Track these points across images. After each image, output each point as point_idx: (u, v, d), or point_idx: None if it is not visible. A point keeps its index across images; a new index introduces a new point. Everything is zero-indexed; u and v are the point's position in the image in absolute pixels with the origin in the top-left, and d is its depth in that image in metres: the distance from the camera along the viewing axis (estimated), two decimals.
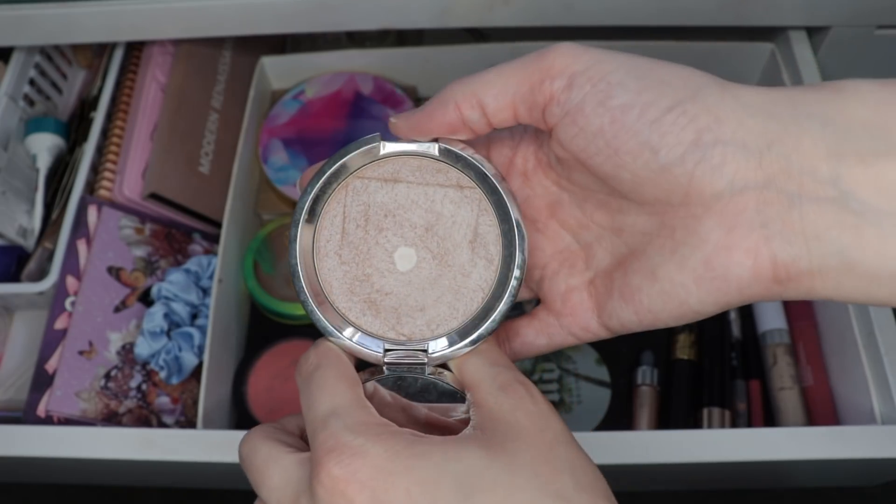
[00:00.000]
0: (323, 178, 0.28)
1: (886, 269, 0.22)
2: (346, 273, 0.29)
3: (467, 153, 0.29)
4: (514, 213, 0.28)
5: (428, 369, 0.28)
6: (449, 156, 0.29)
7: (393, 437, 0.24)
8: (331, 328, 0.28)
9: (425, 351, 0.28)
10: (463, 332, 0.28)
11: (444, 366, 0.28)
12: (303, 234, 0.28)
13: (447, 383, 0.28)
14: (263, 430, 0.27)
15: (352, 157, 0.28)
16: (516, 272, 0.28)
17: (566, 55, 0.25)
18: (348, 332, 0.28)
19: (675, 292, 0.25)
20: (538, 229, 0.31)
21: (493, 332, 0.28)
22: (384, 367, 0.28)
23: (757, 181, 0.23)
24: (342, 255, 0.29)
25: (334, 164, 0.28)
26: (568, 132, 0.26)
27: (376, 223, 0.29)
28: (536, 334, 0.30)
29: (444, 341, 0.28)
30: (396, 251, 0.29)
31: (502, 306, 0.28)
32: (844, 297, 0.24)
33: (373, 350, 0.28)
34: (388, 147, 0.28)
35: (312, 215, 0.28)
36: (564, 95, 0.25)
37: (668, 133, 0.24)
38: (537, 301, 0.31)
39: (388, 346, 0.28)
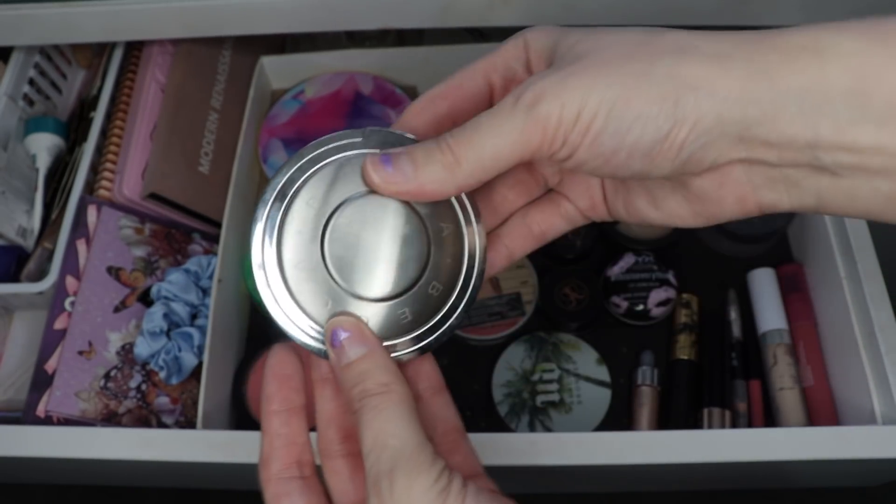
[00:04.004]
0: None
1: (857, 209, 0.26)
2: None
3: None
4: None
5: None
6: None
7: None
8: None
9: None
10: None
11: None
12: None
13: None
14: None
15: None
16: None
17: (554, 111, 0.26)
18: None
19: (673, 220, 0.30)
20: None
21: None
22: None
23: (740, 154, 0.26)
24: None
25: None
26: (567, 166, 0.28)
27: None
28: (561, 220, 0.33)
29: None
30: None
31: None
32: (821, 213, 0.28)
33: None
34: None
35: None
36: (563, 152, 0.27)
37: (656, 160, 0.26)
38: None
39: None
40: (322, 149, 0.29)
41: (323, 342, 0.29)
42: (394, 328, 0.29)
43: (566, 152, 0.27)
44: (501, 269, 0.33)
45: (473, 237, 0.30)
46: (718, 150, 0.26)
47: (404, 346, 0.29)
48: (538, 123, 0.26)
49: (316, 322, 0.29)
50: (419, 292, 0.29)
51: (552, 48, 0.29)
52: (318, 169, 0.29)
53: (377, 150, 0.28)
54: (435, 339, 0.29)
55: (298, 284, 0.28)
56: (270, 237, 0.28)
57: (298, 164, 0.28)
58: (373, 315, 0.29)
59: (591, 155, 0.26)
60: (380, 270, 0.29)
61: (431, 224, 0.29)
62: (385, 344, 0.29)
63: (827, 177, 0.25)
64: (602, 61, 0.26)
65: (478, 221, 0.30)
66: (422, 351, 0.29)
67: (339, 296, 0.29)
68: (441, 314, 0.29)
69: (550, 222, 0.33)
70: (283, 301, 0.29)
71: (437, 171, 0.27)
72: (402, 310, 0.29)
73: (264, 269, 0.28)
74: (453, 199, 0.29)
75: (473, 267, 0.29)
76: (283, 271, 0.28)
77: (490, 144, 0.26)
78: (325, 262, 0.29)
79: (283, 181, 0.28)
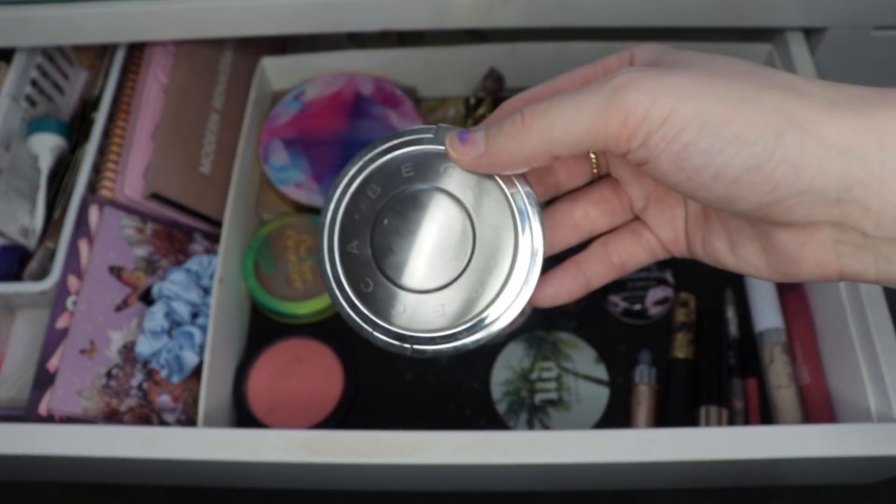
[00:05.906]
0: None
1: None
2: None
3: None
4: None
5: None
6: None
7: None
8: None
9: None
10: None
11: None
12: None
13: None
14: None
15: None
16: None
17: (643, 102, 0.24)
18: None
19: (748, 269, 0.28)
20: (632, 174, 0.32)
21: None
22: None
23: (833, 217, 0.24)
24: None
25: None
26: (648, 173, 0.26)
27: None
28: (642, 251, 0.32)
29: None
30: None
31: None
32: None
33: None
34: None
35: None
36: (641, 152, 0.25)
37: (743, 190, 0.24)
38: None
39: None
40: (394, 141, 0.30)
41: (364, 322, 0.30)
42: (430, 320, 0.30)
43: (644, 155, 0.25)
44: (577, 297, 0.32)
45: (527, 252, 0.29)
46: (810, 207, 0.24)
47: (441, 342, 0.30)
48: (622, 109, 0.24)
49: (358, 301, 0.30)
50: (456, 291, 0.30)
51: (657, 61, 0.28)
52: (385, 161, 0.30)
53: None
54: (472, 341, 0.30)
55: (348, 265, 0.30)
56: (334, 219, 0.31)
57: (370, 154, 0.30)
58: (409, 305, 0.30)
59: (673, 167, 0.25)
60: (419, 264, 0.30)
61: (481, 228, 0.30)
62: (418, 335, 0.30)
63: None
64: (708, 73, 0.25)
65: (536, 236, 0.29)
66: (456, 350, 0.30)
67: (379, 281, 0.30)
68: (480, 317, 0.29)
69: (631, 252, 0.32)
70: (336, 279, 0.31)
71: (505, 140, 0.27)
72: (438, 304, 0.30)
73: (325, 248, 0.31)
74: (516, 211, 0.29)
75: (524, 278, 0.29)
76: (340, 252, 0.31)
77: (565, 117, 0.25)
78: (372, 247, 0.30)
79: (354, 169, 0.30)
